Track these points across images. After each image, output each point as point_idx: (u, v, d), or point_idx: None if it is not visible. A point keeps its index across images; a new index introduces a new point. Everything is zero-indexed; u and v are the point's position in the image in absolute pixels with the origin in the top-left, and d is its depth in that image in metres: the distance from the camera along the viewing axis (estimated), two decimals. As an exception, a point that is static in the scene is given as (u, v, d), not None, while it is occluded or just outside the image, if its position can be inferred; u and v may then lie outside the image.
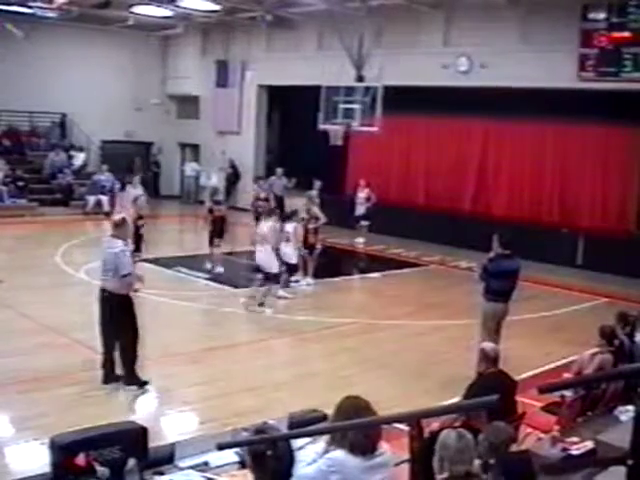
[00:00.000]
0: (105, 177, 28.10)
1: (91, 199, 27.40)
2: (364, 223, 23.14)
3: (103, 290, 10.39)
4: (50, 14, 25.29)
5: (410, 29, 23.49)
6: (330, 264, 19.89)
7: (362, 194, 23.25)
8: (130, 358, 10.43)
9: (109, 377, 10.49)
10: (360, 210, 23.21)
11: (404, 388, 10.79)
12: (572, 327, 14.63)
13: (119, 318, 10.35)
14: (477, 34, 21.92)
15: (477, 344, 9.01)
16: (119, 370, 10.50)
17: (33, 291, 15.78)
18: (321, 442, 5.27)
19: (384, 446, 4.91)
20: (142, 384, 10.48)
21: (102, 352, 10.54)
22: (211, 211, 18.75)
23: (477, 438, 5.35)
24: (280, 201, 23.83)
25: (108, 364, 10.50)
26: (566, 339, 13.42)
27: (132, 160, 30.90)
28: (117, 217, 10.89)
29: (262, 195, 22.54)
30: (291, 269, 16.68)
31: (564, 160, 21.37)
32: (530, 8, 20.75)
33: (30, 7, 23.97)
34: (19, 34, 26.03)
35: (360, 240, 23.24)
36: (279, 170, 24.98)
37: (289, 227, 16.32)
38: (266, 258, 15.28)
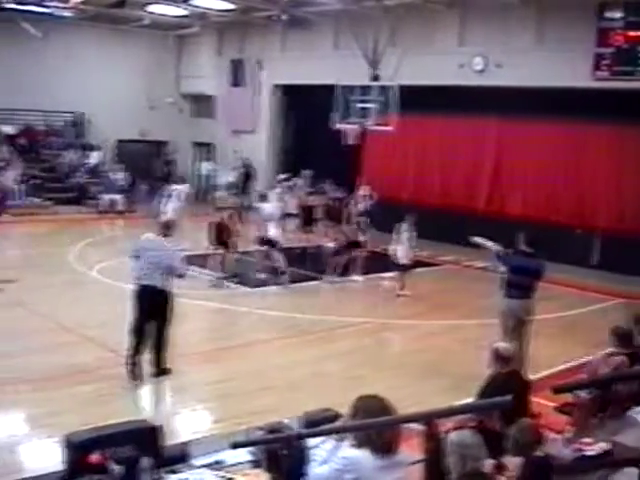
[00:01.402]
0: (120, 176, 28.21)
1: (105, 198, 27.49)
2: (362, 219, 23.10)
3: (152, 287, 10.50)
4: (66, 14, 25.40)
5: (425, 28, 23.45)
6: (345, 263, 19.80)
7: (361, 192, 23.19)
8: (166, 350, 10.74)
9: (138, 373, 10.58)
10: (359, 207, 23.20)
11: (417, 388, 10.77)
12: (587, 327, 14.57)
13: (166, 313, 10.62)
14: (492, 33, 21.89)
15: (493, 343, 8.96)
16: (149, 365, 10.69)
17: (47, 289, 15.82)
18: (332, 441, 5.27)
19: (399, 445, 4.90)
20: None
21: (135, 349, 10.63)
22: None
23: (492, 438, 5.34)
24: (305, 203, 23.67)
25: (139, 361, 10.62)
26: (581, 339, 13.38)
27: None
28: (166, 218, 11.33)
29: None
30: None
31: (579, 159, 21.28)
32: (545, 7, 20.68)
33: (46, 7, 24.06)
34: (36, 34, 26.13)
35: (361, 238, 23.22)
36: (306, 172, 24.63)
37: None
38: (401, 253, 16.76)
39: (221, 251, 17.62)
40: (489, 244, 11.67)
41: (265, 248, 18.02)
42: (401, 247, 16.89)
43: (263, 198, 20.85)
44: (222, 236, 17.61)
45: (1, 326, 12.85)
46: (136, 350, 10.63)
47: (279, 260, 17.62)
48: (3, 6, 23.36)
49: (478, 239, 11.89)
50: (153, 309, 10.61)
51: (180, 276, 10.71)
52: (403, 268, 17.02)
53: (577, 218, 21.31)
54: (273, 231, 17.73)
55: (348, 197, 23.27)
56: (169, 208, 20.63)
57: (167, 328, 10.71)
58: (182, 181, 21.27)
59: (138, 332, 10.64)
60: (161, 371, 10.73)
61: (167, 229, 10.85)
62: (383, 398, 4.89)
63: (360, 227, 22.21)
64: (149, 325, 10.66)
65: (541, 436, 5.79)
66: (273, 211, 18.30)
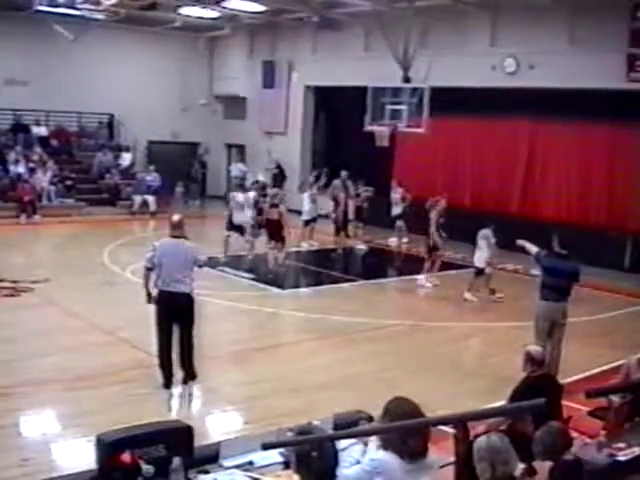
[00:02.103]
0: (152, 177, 28.36)
1: (137, 199, 27.65)
2: (400, 223, 23.10)
3: (175, 293, 10.30)
4: (98, 16, 25.56)
5: (456, 30, 23.37)
6: (375, 265, 19.84)
7: (396, 195, 23.17)
8: (193, 355, 10.62)
9: (171, 380, 10.50)
10: (396, 210, 23.16)
11: (450, 390, 10.72)
12: (620, 331, 14.47)
13: (190, 317, 10.48)
14: (524, 34, 21.77)
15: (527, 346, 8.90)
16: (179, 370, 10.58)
17: (80, 290, 15.93)
18: (365, 444, 5.25)
19: (429, 448, 4.88)
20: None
21: (166, 355, 10.51)
22: (260, 212, 19.50)
23: (524, 442, 5.31)
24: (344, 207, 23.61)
25: (171, 366, 10.52)
26: (613, 343, 13.28)
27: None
28: (176, 217, 10.81)
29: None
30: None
31: (612, 161, 21.14)
32: (577, 8, 20.51)
33: (78, 9, 24.21)
34: (68, 36, 26.33)
35: (394, 240, 23.28)
36: (343, 173, 24.64)
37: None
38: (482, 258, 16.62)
39: (277, 246, 18.94)
40: (533, 249, 11.62)
41: (232, 232, 19.76)
42: (481, 253, 16.65)
43: (239, 188, 22.04)
44: (280, 232, 18.79)
45: (34, 325, 12.96)
46: (166, 355, 10.52)
47: (250, 240, 19.74)
48: (36, 8, 23.54)
49: (523, 242, 11.84)
50: (178, 314, 10.42)
51: (200, 266, 10.55)
52: (482, 272, 16.82)
53: (610, 221, 21.15)
54: (241, 217, 19.56)
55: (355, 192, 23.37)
56: (248, 216, 20.00)
57: (192, 332, 10.54)
58: (242, 189, 21.29)
59: (166, 338, 10.48)
60: (191, 376, 10.62)
61: (181, 229, 10.59)
62: (413, 402, 4.88)
63: (399, 230, 22.33)
64: (174, 330, 10.49)
65: (570, 439, 5.75)
66: (244, 200, 19.88)
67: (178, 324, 10.44)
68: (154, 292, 10.43)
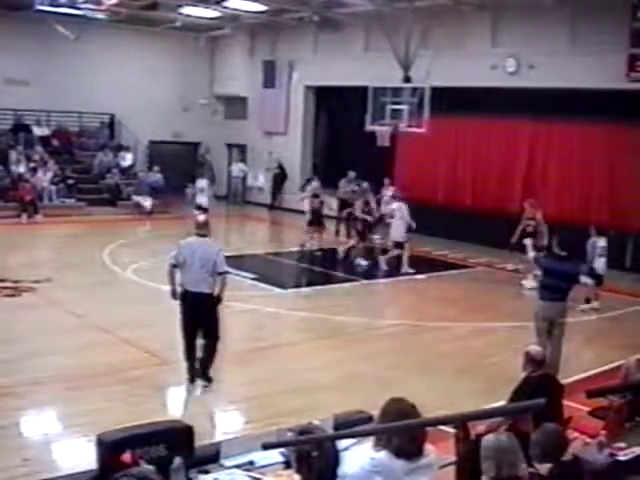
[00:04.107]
0: (153, 177, 28.36)
1: (138, 199, 27.64)
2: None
3: (201, 293, 10.39)
4: (99, 16, 25.63)
5: (457, 30, 23.36)
6: (375, 265, 19.81)
7: (388, 192, 23.15)
8: (214, 357, 10.71)
9: (194, 375, 10.64)
10: (388, 208, 23.17)
11: (450, 390, 10.73)
12: (620, 331, 14.47)
13: (214, 318, 10.57)
14: (525, 35, 21.76)
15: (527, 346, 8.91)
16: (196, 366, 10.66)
17: (80, 289, 15.93)
18: (367, 444, 5.26)
19: (429, 448, 4.89)
20: None
21: (190, 354, 10.62)
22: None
23: (525, 442, 5.30)
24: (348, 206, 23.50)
25: (195, 364, 10.65)
26: (614, 343, 13.25)
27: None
28: (202, 217, 11.05)
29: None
30: None
31: (612, 161, 21.11)
32: (578, 8, 20.51)
33: (80, 9, 24.24)
34: (69, 36, 26.35)
35: (377, 236, 23.27)
36: (351, 173, 24.55)
37: None
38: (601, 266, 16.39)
39: (317, 234, 21.65)
40: (531, 253, 11.66)
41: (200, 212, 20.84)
42: (600, 260, 16.49)
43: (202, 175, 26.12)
44: (320, 219, 21.67)
45: (35, 325, 12.98)
46: (190, 354, 10.63)
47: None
48: (37, 8, 23.56)
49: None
50: (201, 315, 10.50)
51: (220, 274, 10.50)
52: (600, 280, 16.63)
53: (610, 220, 21.12)
54: (205, 200, 23.83)
55: (378, 195, 23.26)
56: (203, 202, 23.06)
57: (217, 337, 10.62)
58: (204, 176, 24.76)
59: (190, 337, 10.56)
60: (207, 379, 10.65)
61: (206, 229, 10.69)
62: (409, 402, 4.89)
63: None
64: (199, 330, 10.57)
65: (567, 440, 5.75)
66: (205, 185, 24.44)
67: (202, 329, 10.54)
68: (179, 289, 10.55)
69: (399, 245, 19.17)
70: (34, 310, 14.02)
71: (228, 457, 6.44)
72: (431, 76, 19.84)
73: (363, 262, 19.72)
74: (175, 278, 10.59)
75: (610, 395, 7.88)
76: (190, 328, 10.50)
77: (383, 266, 19.38)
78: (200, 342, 10.62)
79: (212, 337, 10.56)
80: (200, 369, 10.60)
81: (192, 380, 10.57)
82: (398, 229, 19.13)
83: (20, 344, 11.89)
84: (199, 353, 10.63)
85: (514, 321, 14.21)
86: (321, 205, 21.99)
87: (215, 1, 25.27)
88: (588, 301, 16.22)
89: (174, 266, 10.53)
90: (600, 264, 16.22)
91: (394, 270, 19.15)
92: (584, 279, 15.87)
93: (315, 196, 21.97)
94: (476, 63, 22.48)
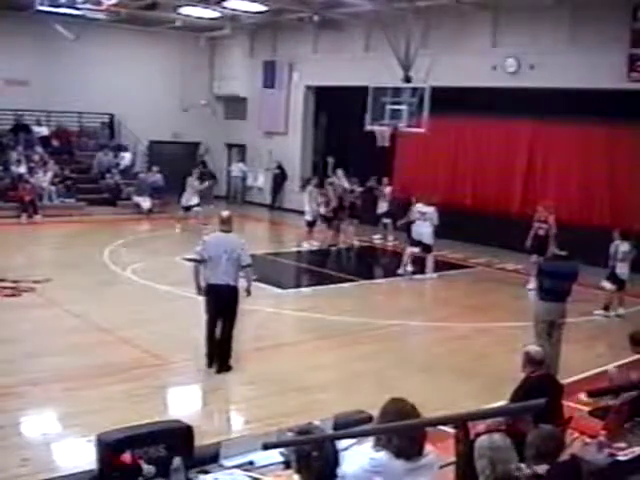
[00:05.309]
0: (153, 177, 28.33)
1: (138, 199, 27.62)
2: (386, 221, 23.14)
3: (226, 286, 10.90)
4: (99, 16, 25.59)
5: (457, 30, 23.33)
6: (374, 265, 19.84)
7: (386, 189, 23.19)
8: (231, 346, 11.29)
9: (213, 360, 11.18)
10: (383, 207, 23.23)
11: (449, 390, 10.72)
12: (621, 331, 14.42)
13: (235, 310, 11.12)
14: (525, 35, 21.74)
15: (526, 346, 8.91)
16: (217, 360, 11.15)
17: (80, 289, 15.92)
18: (367, 444, 5.26)
19: (429, 448, 4.88)
20: None
21: (211, 341, 11.14)
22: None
23: (523, 442, 5.31)
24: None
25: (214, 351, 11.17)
26: (614, 343, 13.24)
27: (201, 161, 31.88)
28: (225, 213, 11.41)
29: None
30: None
31: (614, 161, 21.09)
32: (579, 8, 20.47)
33: (79, 9, 24.22)
34: (69, 36, 26.34)
35: (378, 236, 23.31)
36: (339, 171, 24.54)
37: None
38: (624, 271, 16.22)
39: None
40: (533, 257, 11.71)
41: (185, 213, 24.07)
42: (623, 265, 16.43)
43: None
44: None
45: (35, 325, 12.98)
46: (211, 341, 11.13)
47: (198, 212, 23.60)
48: (37, 8, 23.54)
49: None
50: (225, 306, 11.04)
51: (244, 267, 11.04)
52: (622, 285, 16.41)
53: (612, 220, 21.09)
54: (195, 200, 24.08)
55: (376, 189, 23.36)
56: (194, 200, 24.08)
57: (234, 324, 11.17)
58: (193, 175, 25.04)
59: (212, 326, 11.07)
60: (226, 367, 11.13)
61: (229, 225, 11.17)
62: (409, 402, 4.88)
63: (384, 228, 22.38)
64: (219, 319, 11.08)
65: (563, 441, 5.74)
66: (194, 183, 24.47)
67: (222, 317, 11.06)
68: (203, 284, 11.01)
69: (428, 248, 19.10)
70: (34, 310, 14.02)
71: (228, 457, 6.45)
72: (431, 76, 19.81)
73: (409, 267, 19.35)
74: (200, 274, 11.05)
75: (610, 395, 7.90)
76: (213, 318, 11.03)
77: (433, 275, 19.18)
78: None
79: (229, 326, 11.10)
80: (219, 358, 11.11)
81: (210, 364, 11.08)
82: (430, 233, 19.08)
83: (20, 344, 11.89)
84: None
85: (514, 321, 14.20)
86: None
87: (215, 1, 25.26)
88: (607, 308, 16.03)
89: (198, 262, 11.00)
90: (622, 269, 16.11)
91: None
92: (603, 283, 15.94)
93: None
94: (476, 63, 22.47)
